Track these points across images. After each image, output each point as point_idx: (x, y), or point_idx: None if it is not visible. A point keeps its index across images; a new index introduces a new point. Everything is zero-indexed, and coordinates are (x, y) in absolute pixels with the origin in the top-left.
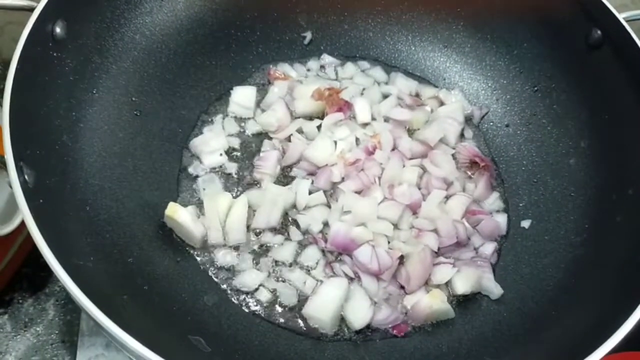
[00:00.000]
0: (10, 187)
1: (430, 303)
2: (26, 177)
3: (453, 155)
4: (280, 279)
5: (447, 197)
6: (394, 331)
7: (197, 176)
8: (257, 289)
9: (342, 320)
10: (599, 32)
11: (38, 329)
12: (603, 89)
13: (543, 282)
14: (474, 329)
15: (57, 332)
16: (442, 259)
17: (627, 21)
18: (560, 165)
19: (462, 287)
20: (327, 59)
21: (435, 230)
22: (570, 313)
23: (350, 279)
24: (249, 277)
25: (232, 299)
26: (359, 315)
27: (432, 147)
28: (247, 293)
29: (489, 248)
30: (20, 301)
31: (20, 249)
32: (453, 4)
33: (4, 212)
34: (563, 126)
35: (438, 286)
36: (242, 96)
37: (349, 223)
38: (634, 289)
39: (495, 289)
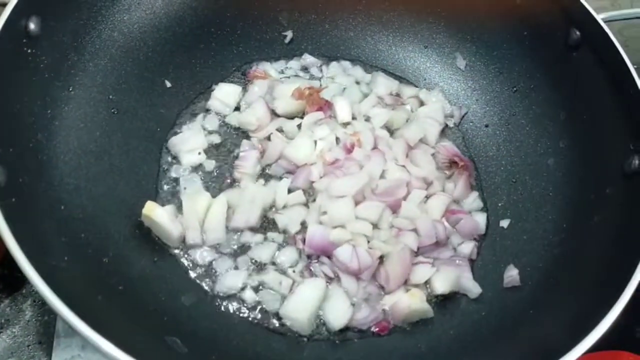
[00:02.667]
0: None
1: (409, 302)
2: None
3: (433, 154)
4: (257, 281)
5: (427, 197)
6: (376, 329)
7: (176, 177)
8: (239, 292)
9: (321, 320)
10: (577, 33)
11: (14, 330)
12: (582, 89)
13: (521, 282)
14: (453, 328)
15: (34, 333)
16: (421, 258)
17: (605, 22)
18: (539, 165)
19: (441, 286)
20: (308, 58)
21: (415, 230)
22: (548, 312)
23: (330, 279)
24: (231, 280)
25: (211, 299)
26: (338, 315)
27: (412, 146)
28: (228, 296)
29: (467, 247)
30: None
31: None
32: (434, 5)
33: None
34: (542, 126)
35: (417, 286)
36: (224, 93)
37: (327, 224)
38: (611, 288)
39: (474, 288)
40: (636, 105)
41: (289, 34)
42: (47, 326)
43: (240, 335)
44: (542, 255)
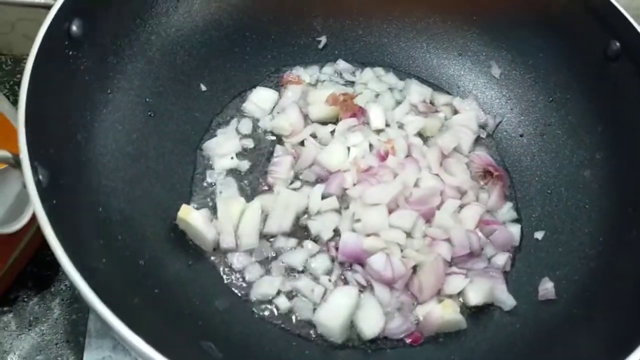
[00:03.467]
0: (25, 186)
1: (442, 313)
2: (40, 177)
3: (467, 164)
4: (290, 287)
5: (461, 207)
6: (409, 340)
7: (211, 180)
8: (272, 298)
9: (353, 328)
10: (617, 43)
11: (43, 328)
12: (620, 101)
13: (557, 295)
14: (485, 340)
15: (61, 331)
16: (454, 269)
17: None
18: (575, 177)
19: (474, 298)
20: (341, 64)
21: (449, 240)
22: (584, 328)
23: (363, 288)
24: (265, 287)
25: (244, 304)
26: (371, 324)
27: (446, 155)
28: (261, 302)
29: (501, 259)
30: (26, 300)
31: (26, 248)
32: (468, 12)
33: (13, 209)
34: (578, 137)
35: (450, 296)
36: (261, 97)
37: (360, 232)
38: None
39: (508, 300)
40: None
41: (323, 40)
42: (75, 325)
43: (273, 342)
44: (578, 269)
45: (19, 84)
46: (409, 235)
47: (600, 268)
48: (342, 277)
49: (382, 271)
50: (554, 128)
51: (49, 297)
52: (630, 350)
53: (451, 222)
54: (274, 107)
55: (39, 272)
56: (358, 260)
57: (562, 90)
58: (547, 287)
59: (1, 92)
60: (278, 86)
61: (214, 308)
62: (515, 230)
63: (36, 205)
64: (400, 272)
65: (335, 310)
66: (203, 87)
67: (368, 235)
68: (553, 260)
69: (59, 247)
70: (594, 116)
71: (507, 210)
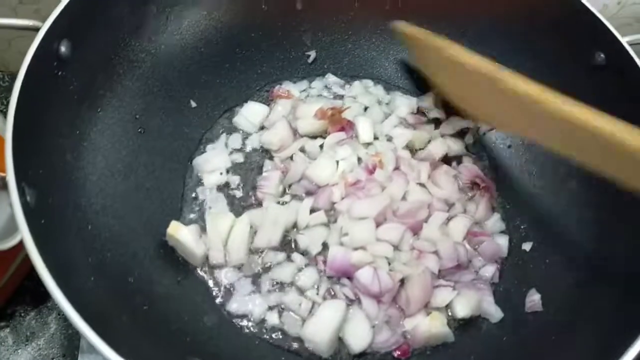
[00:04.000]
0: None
1: (430, 326)
2: (28, 197)
3: (454, 175)
4: (278, 302)
5: (449, 219)
6: (397, 353)
7: (201, 196)
8: (260, 314)
9: (342, 342)
10: (602, 55)
11: (39, 342)
12: (606, 111)
13: (543, 306)
14: (474, 353)
15: (58, 346)
16: (442, 281)
17: (630, 45)
18: (562, 188)
19: (462, 310)
20: (330, 78)
21: (436, 252)
22: (571, 338)
23: (350, 301)
24: (253, 302)
25: (232, 320)
26: (359, 338)
27: (435, 165)
28: (249, 317)
29: (489, 270)
30: (22, 314)
31: (23, 262)
32: (457, 25)
33: (7, 226)
34: None
35: (438, 309)
36: (252, 112)
37: (348, 246)
38: (636, 317)
39: (495, 313)
40: None
41: (312, 54)
42: (72, 339)
43: (261, 357)
44: (565, 280)
45: None
46: (396, 248)
47: (587, 279)
48: (331, 291)
49: (370, 285)
50: None
51: (46, 311)
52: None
53: (439, 235)
54: (263, 122)
55: (35, 287)
56: (346, 274)
57: None
58: (534, 299)
59: None
60: (268, 101)
61: (202, 324)
62: (503, 241)
63: (22, 226)
64: (388, 285)
65: (322, 324)
66: (193, 104)
67: (356, 249)
68: (540, 272)
69: (42, 266)
70: None
71: (495, 222)
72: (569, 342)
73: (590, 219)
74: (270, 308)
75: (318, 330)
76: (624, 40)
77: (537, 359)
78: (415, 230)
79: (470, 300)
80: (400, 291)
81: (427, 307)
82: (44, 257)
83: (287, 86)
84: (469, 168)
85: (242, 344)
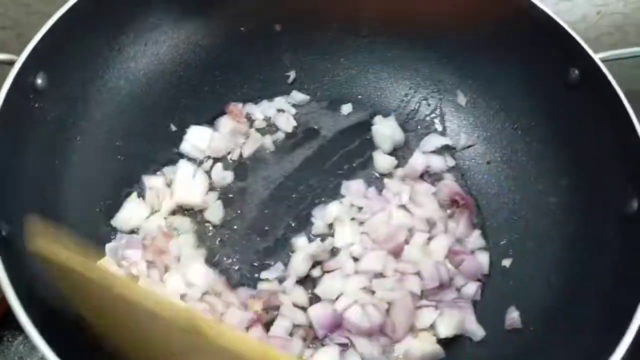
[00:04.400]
0: None
1: (421, 348)
2: (2, 232)
3: (434, 193)
4: None
5: (430, 238)
6: None
7: None
8: None
9: None
10: (576, 72)
11: None
12: (582, 129)
13: (523, 324)
14: None
15: None
16: (424, 301)
17: (604, 61)
18: (541, 204)
19: (444, 330)
20: (297, 96)
21: (418, 273)
22: (550, 355)
23: (344, 347)
24: None
25: None
26: None
27: (417, 175)
28: None
29: (471, 288)
30: (10, 339)
31: None
32: (434, 43)
33: None
34: (543, 164)
35: (421, 330)
36: (196, 136)
37: (325, 299)
38: (612, 332)
39: (477, 331)
40: (634, 147)
41: (292, 74)
42: None
43: None
44: (544, 296)
45: None
46: (379, 275)
47: (565, 295)
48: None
49: (360, 323)
50: (519, 155)
51: None
52: None
53: (420, 256)
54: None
55: None
56: (337, 325)
57: (526, 117)
58: (513, 317)
59: None
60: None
61: None
62: (483, 258)
63: None
64: (377, 319)
65: None
66: (173, 127)
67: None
68: (520, 288)
69: (19, 307)
70: (557, 143)
71: (475, 239)
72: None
73: (568, 235)
74: None
75: None
76: (597, 57)
77: None
78: (397, 253)
79: (453, 320)
80: (385, 319)
81: (412, 331)
82: (17, 290)
83: (249, 108)
84: (449, 185)
85: None
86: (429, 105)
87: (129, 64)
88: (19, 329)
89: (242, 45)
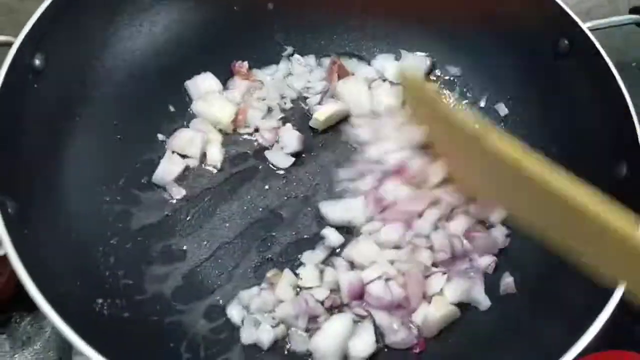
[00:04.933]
0: None
1: (437, 311)
2: (9, 209)
3: None
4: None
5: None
6: (417, 350)
7: None
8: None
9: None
10: (565, 41)
11: (36, 347)
12: (572, 97)
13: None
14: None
15: (54, 349)
16: (433, 269)
17: (592, 30)
18: None
19: (451, 296)
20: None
21: (431, 247)
22: (544, 315)
23: (361, 318)
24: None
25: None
26: (361, 351)
27: None
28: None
29: (485, 261)
30: (18, 320)
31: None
32: (428, 17)
33: None
34: (536, 134)
35: (433, 295)
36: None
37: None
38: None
39: (484, 301)
40: (622, 113)
41: (289, 49)
42: (66, 342)
43: None
44: (537, 263)
45: None
46: (396, 247)
47: (558, 261)
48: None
49: (383, 297)
50: (513, 124)
51: (41, 316)
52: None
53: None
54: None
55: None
56: (361, 295)
57: (517, 88)
58: (507, 282)
59: None
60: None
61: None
62: (500, 234)
63: (3, 238)
64: (399, 294)
65: (330, 337)
66: (171, 108)
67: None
68: (514, 256)
69: (26, 276)
70: (548, 112)
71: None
72: (543, 319)
73: None
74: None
75: (325, 343)
76: (585, 26)
77: (514, 339)
78: (409, 224)
79: (460, 287)
80: None
81: (425, 298)
82: (27, 266)
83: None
84: None
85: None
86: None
87: (125, 44)
88: (26, 309)
89: (236, 24)
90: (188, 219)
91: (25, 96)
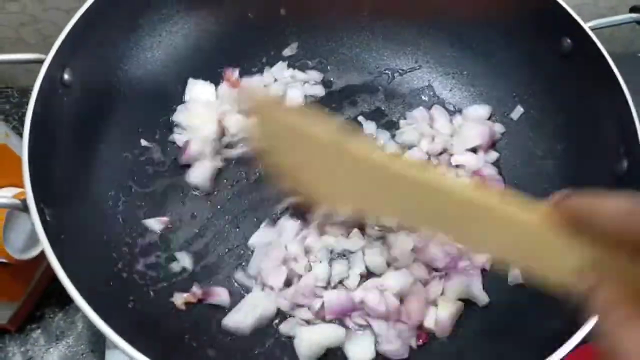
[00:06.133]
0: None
1: (445, 312)
2: (47, 217)
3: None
4: None
5: None
6: (419, 341)
7: None
8: None
9: None
10: (568, 41)
11: (69, 340)
12: (575, 95)
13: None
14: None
15: (86, 343)
16: (434, 273)
17: (593, 30)
18: (539, 168)
19: (451, 294)
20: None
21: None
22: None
23: (360, 327)
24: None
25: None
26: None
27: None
28: None
29: (481, 258)
30: (51, 316)
31: (47, 268)
32: (436, 18)
33: (28, 238)
34: (541, 131)
35: (435, 298)
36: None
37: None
38: None
39: (481, 297)
40: (623, 111)
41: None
42: (97, 335)
43: None
44: None
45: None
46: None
47: None
48: None
49: (377, 307)
50: (518, 123)
51: (72, 311)
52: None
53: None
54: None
55: (60, 290)
56: (347, 311)
57: (523, 86)
58: (516, 273)
59: (9, 127)
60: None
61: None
62: None
63: (44, 243)
64: (394, 305)
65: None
66: None
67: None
68: None
69: (66, 280)
70: (553, 110)
71: None
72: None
73: None
74: None
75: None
76: (587, 26)
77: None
78: None
79: (459, 285)
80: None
81: (429, 303)
82: (65, 267)
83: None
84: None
85: None
86: (432, 79)
87: (146, 55)
88: (58, 305)
89: (250, 30)
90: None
91: (56, 110)
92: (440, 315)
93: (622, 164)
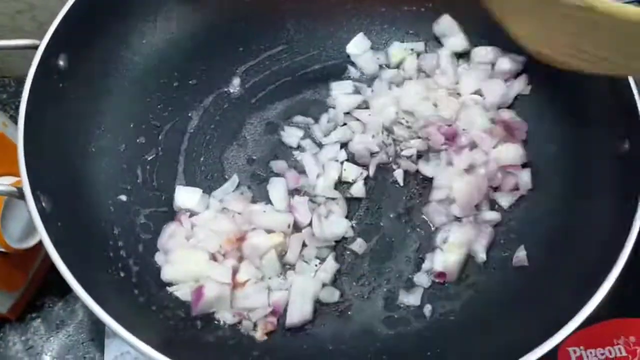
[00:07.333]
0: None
1: (453, 256)
2: (43, 204)
3: None
4: None
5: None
6: (439, 279)
7: None
8: None
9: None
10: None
11: (69, 329)
12: (579, 79)
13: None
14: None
15: (86, 331)
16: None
17: None
18: (543, 150)
19: (454, 239)
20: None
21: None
22: (553, 283)
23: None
24: None
25: None
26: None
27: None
28: None
29: (491, 215)
30: (51, 305)
31: (46, 257)
32: None
33: (26, 227)
34: (544, 115)
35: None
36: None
37: None
38: (607, 260)
39: (480, 254)
40: (625, 94)
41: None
42: (97, 324)
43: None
44: (548, 236)
45: None
46: None
47: (567, 233)
48: None
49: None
50: (522, 103)
51: (72, 301)
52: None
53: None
54: None
55: (59, 279)
56: None
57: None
58: (520, 255)
59: (7, 116)
60: None
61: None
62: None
63: (40, 231)
64: None
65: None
66: (187, 99)
67: None
68: (527, 231)
69: (64, 268)
70: (556, 95)
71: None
72: (552, 287)
73: (569, 176)
74: None
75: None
76: None
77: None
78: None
79: (467, 234)
80: None
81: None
82: (63, 257)
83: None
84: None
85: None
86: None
87: (142, 41)
88: (57, 294)
89: (247, 16)
90: None
91: (52, 96)
92: (449, 260)
93: (624, 144)
